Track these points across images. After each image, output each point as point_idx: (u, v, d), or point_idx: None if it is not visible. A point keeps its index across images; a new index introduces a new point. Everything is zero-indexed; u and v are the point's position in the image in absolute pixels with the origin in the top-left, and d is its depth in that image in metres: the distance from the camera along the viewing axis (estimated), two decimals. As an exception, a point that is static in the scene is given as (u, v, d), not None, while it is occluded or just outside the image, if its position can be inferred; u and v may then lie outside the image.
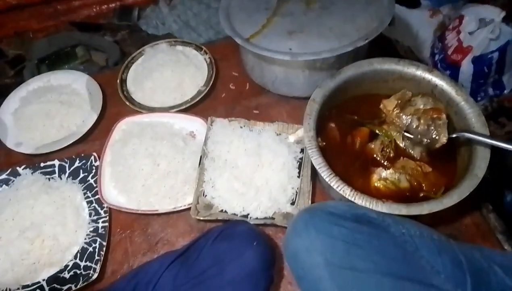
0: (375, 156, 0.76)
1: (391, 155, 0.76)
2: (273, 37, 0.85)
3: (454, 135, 0.72)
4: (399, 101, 0.77)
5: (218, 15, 0.92)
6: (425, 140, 0.73)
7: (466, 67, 1.27)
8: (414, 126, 0.74)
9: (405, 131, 0.75)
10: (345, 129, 0.79)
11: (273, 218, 0.79)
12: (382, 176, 0.73)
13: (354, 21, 0.86)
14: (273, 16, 0.90)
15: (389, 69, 0.80)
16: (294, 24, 0.87)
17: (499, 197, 0.97)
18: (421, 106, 0.75)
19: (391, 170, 0.73)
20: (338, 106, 0.81)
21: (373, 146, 0.77)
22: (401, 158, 0.75)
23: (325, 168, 0.68)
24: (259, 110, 1.00)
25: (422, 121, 0.73)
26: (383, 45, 1.35)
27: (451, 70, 1.32)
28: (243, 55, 0.97)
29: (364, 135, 0.78)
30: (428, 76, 0.78)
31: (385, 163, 0.75)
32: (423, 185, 0.72)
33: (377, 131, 0.77)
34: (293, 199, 0.81)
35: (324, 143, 0.76)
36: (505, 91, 1.35)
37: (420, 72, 0.78)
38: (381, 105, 0.79)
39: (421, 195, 0.71)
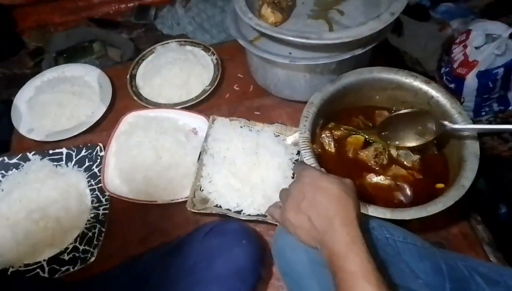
0: (368, 163, 0.78)
1: (384, 162, 0.78)
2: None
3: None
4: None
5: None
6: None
7: (471, 81, 1.28)
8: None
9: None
10: (340, 137, 0.81)
11: (265, 216, 0.81)
12: (373, 181, 0.75)
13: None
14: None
15: (388, 78, 0.81)
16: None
17: (494, 210, 0.98)
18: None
19: (382, 176, 0.75)
20: (335, 114, 0.83)
21: (366, 153, 0.79)
22: (393, 165, 0.77)
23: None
24: (261, 111, 1.03)
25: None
26: (389, 55, 1.37)
27: (456, 84, 1.34)
28: (248, 57, 1.00)
29: (358, 143, 0.80)
30: (425, 87, 0.79)
31: (377, 169, 0.77)
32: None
33: (371, 139, 0.79)
34: (286, 199, 0.84)
35: (319, 150, 0.78)
36: (510, 107, 1.35)
37: (418, 83, 0.80)
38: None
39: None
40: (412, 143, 0.75)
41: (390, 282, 0.50)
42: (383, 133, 0.78)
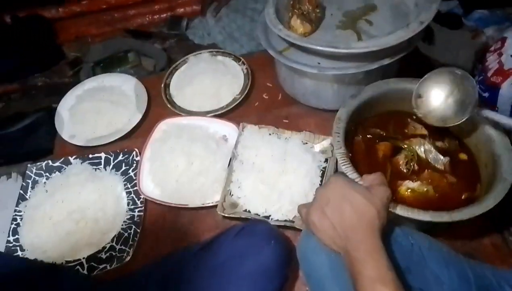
0: (400, 168, 0.78)
1: (415, 168, 0.77)
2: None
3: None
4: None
5: (259, 28, 0.99)
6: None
7: (506, 90, 1.24)
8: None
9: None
10: (370, 143, 0.82)
11: (292, 221, 0.83)
12: (410, 187, 0.75)
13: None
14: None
15: (405, 88, 0.82)
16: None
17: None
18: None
19: (418, 182, 0.74)
20: (363, 122, 0.85)
21: (398, 159, 0.79)
22: (426, 170, 0.76)
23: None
24: (289, 119, 1.05)
25: None
26: (420, 65, 1.36)
27: (490, 93, 1.30)
28: (277, 67, 1.03)
29: (387, 149, 0.81)
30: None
31: (411, 175, 0.76)
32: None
33: (400, 145, 0.79)
34: (314, 206, 0.85)
35: (351, 155, 0.79)
36: (546, 117, 1.30)
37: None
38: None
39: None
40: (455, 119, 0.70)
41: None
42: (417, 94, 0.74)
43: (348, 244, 0.52)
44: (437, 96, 0.72)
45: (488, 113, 0.68)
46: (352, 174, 0.70)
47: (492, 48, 1.33)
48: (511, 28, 1.35)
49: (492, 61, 1.31)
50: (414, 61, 0.98)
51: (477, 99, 0.67)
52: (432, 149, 0.78)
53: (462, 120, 0.69)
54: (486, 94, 1.32)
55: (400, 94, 0.82)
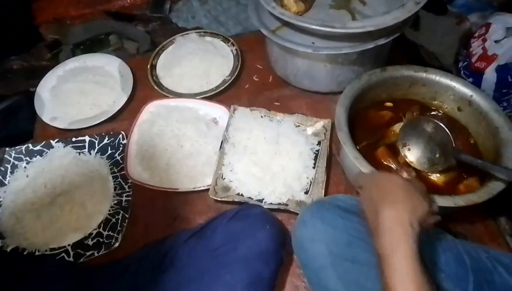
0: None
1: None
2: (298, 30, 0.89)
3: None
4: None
5: (246, 12, 0.96)
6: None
7: (490, 75, 1.27)
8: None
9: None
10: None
11: (286, 204, 0.82)
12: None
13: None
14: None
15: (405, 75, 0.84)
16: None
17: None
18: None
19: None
20: (364, 111, 0.85)
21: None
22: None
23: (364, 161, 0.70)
24: (280, 102, 1.04)
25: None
26: (407, 49, 1.36)
27: (474, 78, 1.32)
28: (268, 48, 1.01)
29: (385, 152, 0.80)
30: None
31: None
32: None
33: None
34: (307, 188, 0.84)
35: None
36: (529, 102, 1.34)
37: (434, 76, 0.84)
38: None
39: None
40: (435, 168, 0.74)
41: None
42: (402, 143, 0.77)
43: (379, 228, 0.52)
44: (419, 143, 0.75)
45: (465, 157, 0.69)
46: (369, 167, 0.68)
47: (476, 34, 1.35)
48: (495, 14, 1.38)
49: (476, 47, 1.33)
50: (401, 46, 0.98)
51: (453, 142, 0.70)
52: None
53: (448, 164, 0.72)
54: (470, 80, 1.35)
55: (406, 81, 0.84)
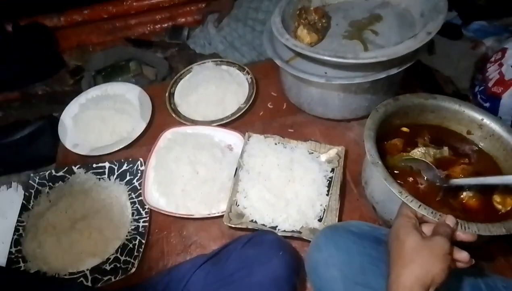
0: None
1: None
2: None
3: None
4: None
5: (261, 38, 0.99)
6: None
7: (507, 100, 1.26)
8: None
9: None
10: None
11: (300, 232, 0.82)
12: None
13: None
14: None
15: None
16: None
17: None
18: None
19: None
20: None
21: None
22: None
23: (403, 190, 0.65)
24: (294, 128, 1.05)
25: None
26: (421, 74, 1.37)
27: (491, 103, 1.31)
28: (282, 76, 1.03)
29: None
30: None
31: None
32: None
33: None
34: (320, 216, 0.84)
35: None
36: (548, 126, 1.31)
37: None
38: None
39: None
40: None
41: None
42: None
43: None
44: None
45: (457, 181, 0.67)
46: (412, 201, 0.62)
47: (493, 59, 1.35)
48: (511, 39, 1.37)
49: (492, 71, 1.33)
50: (415, 71, 0.98)
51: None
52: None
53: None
54: (487, 105, 1.34)
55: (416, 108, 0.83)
